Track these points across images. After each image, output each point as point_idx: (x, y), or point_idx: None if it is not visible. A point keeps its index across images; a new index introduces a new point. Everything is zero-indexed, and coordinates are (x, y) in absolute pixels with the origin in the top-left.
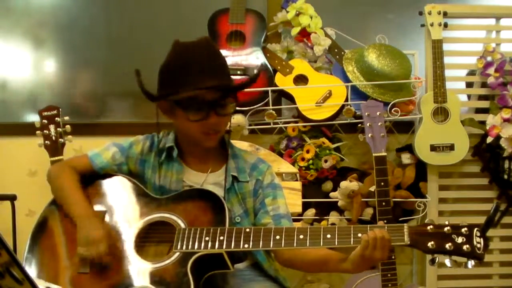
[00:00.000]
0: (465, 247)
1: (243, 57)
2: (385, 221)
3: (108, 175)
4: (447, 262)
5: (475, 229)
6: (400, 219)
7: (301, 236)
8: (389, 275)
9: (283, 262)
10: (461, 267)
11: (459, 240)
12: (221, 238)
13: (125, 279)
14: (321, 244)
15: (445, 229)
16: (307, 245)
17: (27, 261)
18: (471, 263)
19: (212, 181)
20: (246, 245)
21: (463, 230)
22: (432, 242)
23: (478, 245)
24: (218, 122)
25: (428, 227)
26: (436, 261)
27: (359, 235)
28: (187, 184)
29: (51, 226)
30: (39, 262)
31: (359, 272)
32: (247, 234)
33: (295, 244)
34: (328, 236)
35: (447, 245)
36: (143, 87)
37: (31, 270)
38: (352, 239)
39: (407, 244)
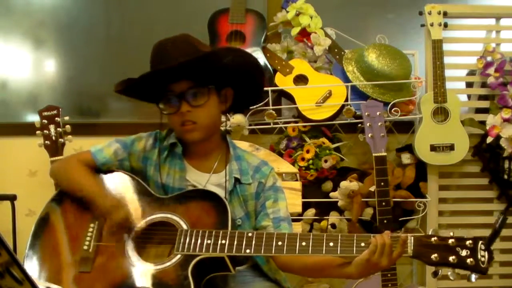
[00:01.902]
0: (469, 260)
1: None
2: (385, 221)
3: (110, 171)
4: (450, 274)
5: (480, 242)
6: (400, 219)
7: (304, 243)
8: (389, 275)
9: (281, 265)
10: (465, 280)
11: (463, 253)
12: (223, 241)
13: (126, 280)
14: (323, 252)
15: (450, 241)
16: (309, 252)
17: (28, 260)
18: (474, 276)
19: (215, 181)
20: (247, 250)
21: (468, 242)
22: (436, 255)
23: (482, 259)
24: (191, 112)
25: (432, 239)
26: (439, 273)
27: (362, 244)
28: (190, 183)
29: (52, 224)
30: (40, 261)
31: (362, 277)
32: (249, 238)
33: (297, 251)
34: (331, 244)
35: (451, 258)
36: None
37: (32, 269)
38: (354, 248)
39: (410, 255)
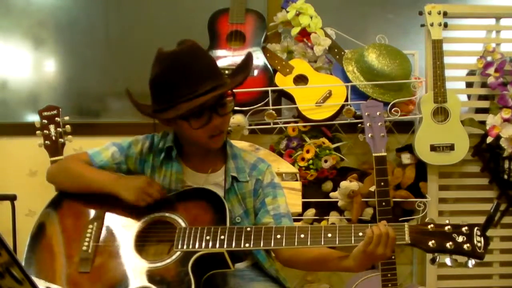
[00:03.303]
0: (465, 246)
1: (243, 57)
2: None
3: None
4: (448, 261)
5: (476, 228)
6: (400, 219)
7: (302, 235)
8: (389, 275)
9: (284, 261)
10: (462, 266)
11: (460, 239)
12: (222, 237)
13: (126, 278)
14: (322, 243)
15: (446, 228)
16: (308, 244)
17: (28, 261)
18: (471, 262)
19: (212, 181)
20: (247, 244)
21: (464, 229)
22: (433, 241)
23: (479, 244)
24: (222, 122)
25: (429, 226)
26: (437, 260)
27: (360, 234)
28: (187, 185)
29: (51, 225)
30: (39, 261)
31: (361, 270)
32: (248, 233)
33: (296, 243)
34: (329, 235)
35: (448, 244)
36: (139, 106)
37: (31, 270)
38: (353, 238)
39: (408, 243)
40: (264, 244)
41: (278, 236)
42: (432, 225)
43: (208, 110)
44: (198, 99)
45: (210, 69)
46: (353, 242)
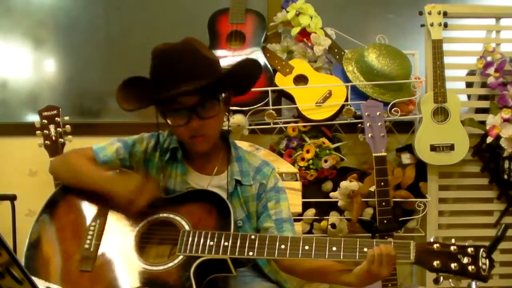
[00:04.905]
0: (470, 268)
1: (243, 57)
2: (385, 221)
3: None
4: (451, 282)
5: (481, 249)
6: (400, 219)
7: (307, 247)
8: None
9: (283, 268)
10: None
11: (465, 260)
12: (226, 243)
13: (127, 280)
14: (326, 256)
15: (452, 248)
16: (312, 256)
17: (28, 260)
18: (475, 284)
19: (216, 184)
20: (250, 253)
21: (469, 250)
22: (438, 262)
23: (484, 266)
24: (202, 125)
25: (435, 246)
26: (440, 280)
27: (365, 249)
28: (191, 187)
29: (52, 222)
30: (39, 259)
31: (363, 286)
32: (252, 241)
33: (300, 255)
34: (334, 248)
35: (453, 265)
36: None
37: (31, 268)
38: (357, 253)
39: (412, 262)
40: (267, 254)
41: (282, 246)
42: (437, 245)
43: (188, 111)
44: (168, 93)
45: (195, 69)
46: (357, 257)
